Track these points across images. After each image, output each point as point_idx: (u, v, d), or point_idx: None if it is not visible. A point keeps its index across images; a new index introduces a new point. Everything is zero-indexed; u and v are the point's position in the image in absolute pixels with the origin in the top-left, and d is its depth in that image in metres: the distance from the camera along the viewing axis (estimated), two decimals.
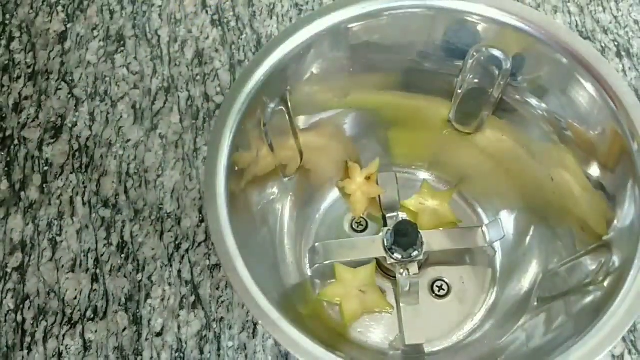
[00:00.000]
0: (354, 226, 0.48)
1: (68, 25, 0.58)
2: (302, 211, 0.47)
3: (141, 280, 0.47)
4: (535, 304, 0.41)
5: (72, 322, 0.46)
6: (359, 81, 0.42)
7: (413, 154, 0.49)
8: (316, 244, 0.44)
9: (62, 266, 0.48)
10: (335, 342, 0.42)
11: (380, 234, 0.43)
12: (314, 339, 0.31)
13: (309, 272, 0.46)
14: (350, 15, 0.37)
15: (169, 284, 0.47)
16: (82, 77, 0.55)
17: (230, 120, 0.35)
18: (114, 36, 0.57)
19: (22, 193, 0.50)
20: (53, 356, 0.45)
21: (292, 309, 0.39)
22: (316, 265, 0.44)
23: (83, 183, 0.51)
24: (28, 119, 0.54)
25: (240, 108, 0.35)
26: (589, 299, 0.35)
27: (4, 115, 0.54)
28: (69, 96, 0.54)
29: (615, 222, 0.36)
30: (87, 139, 0.53)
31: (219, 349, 0.45)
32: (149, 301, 0.46)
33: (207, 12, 0.58)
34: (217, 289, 0.47)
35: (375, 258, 0.45)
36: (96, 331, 0.46)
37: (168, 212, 0.49)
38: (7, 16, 0.58)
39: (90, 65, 0.56)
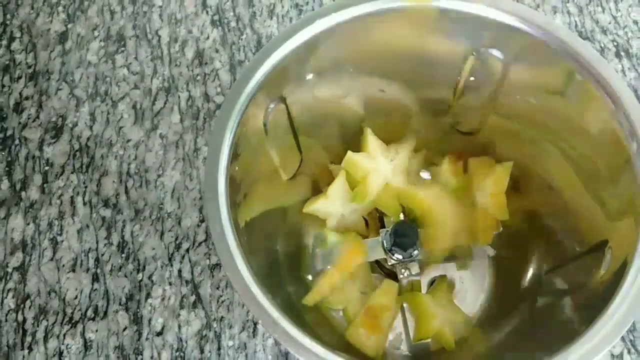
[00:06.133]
0: None
1: (69, 26, 0.58)
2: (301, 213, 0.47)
3: (141, 280, 0.47)
4: (535, 303, 0.41)
5: (73, 321, 0.46)
6: (359, 81, 0.42)
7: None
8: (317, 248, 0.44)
9: (63, 266, 0.48)
10: (340, 345, 0.42)
11: (379, 235, 0.43)
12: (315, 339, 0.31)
13: (309, 277, 0.46)
14: (350, 15, 0.37)
15: (170, 284, 0.47)
16: (82, 77, 0.55)
17: (231, 120, 0.35)
18: (114, 36, 0.57)
19: (23, 193, 0.51)
20: (54, 355, 0.45)
21: (296, 315, 0.39)
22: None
23: (84, 183, 0.51)
24: (29, 119, 0.54)
25: (240, 108, 0.35)
26: (588, 299, 0.35)
27: (4, 115, 0.54)
28: (70, 96, 0.54)
29: (615, 222, 0.36)
30: (88, 139, 0.53)
31: (219, 348, 0.45)
32: (149, 300, 0.47)
33: (207, 12, 0.58)
34: (218, 288, 0.47)
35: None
36: (97, 330, 0.46)
37: (168, 211, 0.49)
38: (8, 16, 0.58)
39: (90, 65, 0.56)
